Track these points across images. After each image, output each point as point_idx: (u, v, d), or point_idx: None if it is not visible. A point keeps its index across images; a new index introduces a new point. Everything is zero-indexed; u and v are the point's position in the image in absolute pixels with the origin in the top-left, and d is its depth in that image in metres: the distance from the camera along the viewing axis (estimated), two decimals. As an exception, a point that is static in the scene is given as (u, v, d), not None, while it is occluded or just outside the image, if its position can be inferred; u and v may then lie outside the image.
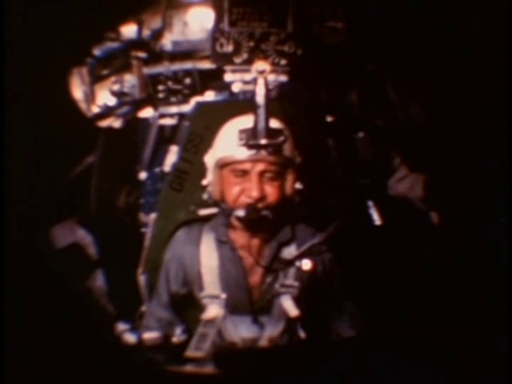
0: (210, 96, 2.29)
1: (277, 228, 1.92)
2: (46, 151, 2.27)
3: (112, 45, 2.45)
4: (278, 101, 2.10)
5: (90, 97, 2.49)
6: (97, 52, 2.47)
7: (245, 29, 2.26)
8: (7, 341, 1.61)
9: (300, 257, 1.89)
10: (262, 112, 1.72)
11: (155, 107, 2.42)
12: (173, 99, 2.38)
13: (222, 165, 1.84)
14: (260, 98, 1.72)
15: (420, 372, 1.64)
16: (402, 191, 2.37)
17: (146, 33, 2.40)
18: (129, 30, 2.41)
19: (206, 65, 2.32)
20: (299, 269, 1.89)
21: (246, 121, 1.80)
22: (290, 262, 1.90)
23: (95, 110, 2.50)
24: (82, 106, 2.50)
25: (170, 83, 2.36)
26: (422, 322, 1.92)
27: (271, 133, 1.75)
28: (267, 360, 1.72)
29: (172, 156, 2.20)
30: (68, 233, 2.38)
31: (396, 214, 2.30)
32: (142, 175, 2.37)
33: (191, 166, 2.14)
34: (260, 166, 1.78)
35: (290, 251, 1.92)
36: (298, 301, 1.89)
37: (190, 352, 1.78)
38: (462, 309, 1.89)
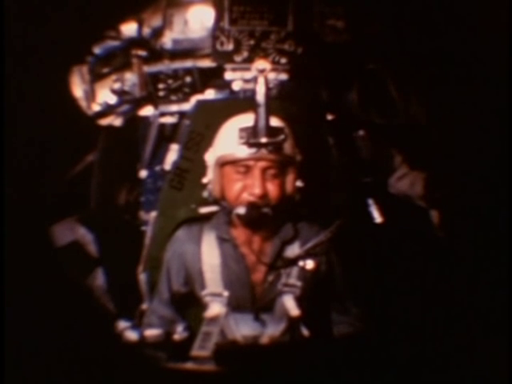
0: (210, 94, 2.29)
1: (277, 225, 1.91)
2: (47, 150, 2.28)
3: (112, 43, 2.45)
4: (279, 99, 2.10)
5: (91, 95, 2.49)
6: (97, 50, 2.47)
7: (245, 27, 2.26)
8: (7, 340, 1.61)
9: (303, 256, 1.89)
10: (262, 110, 1.73)
11: (155, 105, 2.42)
12: (173, 97, 2.38)
13: (223, 163, 1.84)
14: (260, 96, 1.72)
15: (421, 371, 1.64)
16: (402, 189, 2.37)
17: (147, 31, 2.40)
18: (129, 29, 2.41)
19: (207, 63, 2.32)
20: (302, 268, 1.88)
21: (246, 119, 1.81)
22: (293, 261, 1.89)
23: (95, 108, 2.50)
24: (83, 104, 2.51)
25: (170, 81, 2.36)
26: (423, 320, 1.92)
27: (271, 131, 1.76)
28: (268, 357, 1.72)
29: (172, 154, 2.20)
30: (68, 231, 2.38)
31: (396, 213, 2.31)
32: (143, 173, 2.37)
33: (191, 165, 2.14)
34: (262, 163, 1.79)
35: (293, 250, 1.91)
36: (300, 300, 1.88)
37: (196, 351, 1.77)
38: (463, 307, 1.89)
